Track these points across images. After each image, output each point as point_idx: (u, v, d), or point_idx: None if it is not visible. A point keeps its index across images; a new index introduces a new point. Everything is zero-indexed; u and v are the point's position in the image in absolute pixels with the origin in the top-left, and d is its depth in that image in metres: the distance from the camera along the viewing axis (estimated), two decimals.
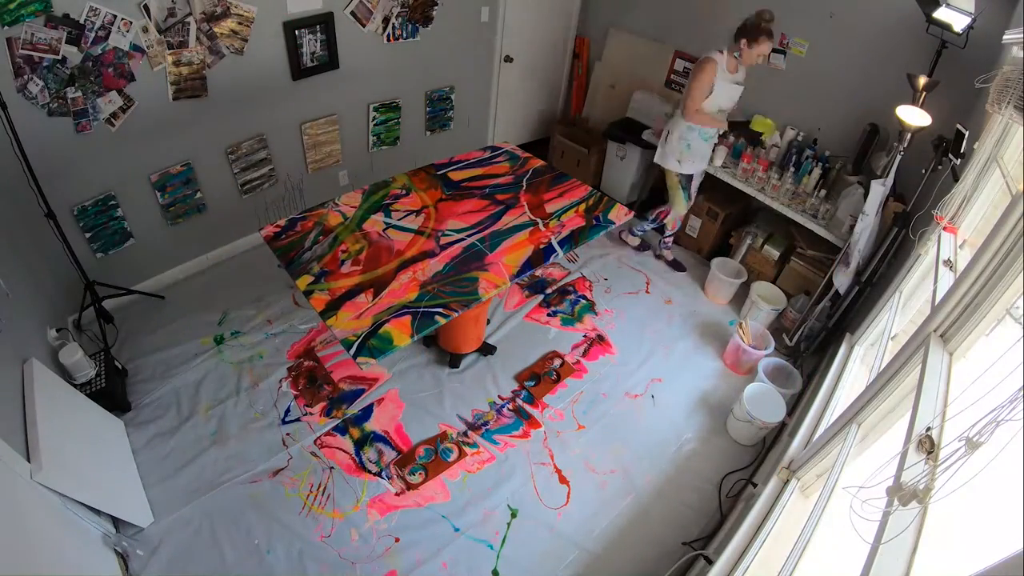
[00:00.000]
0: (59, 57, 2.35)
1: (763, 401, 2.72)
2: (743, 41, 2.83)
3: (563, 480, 2.55)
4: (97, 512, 2.02)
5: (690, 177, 3.36)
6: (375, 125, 3.78)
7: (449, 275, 2.30)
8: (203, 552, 2.15)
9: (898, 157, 2.59)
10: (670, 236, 3.76)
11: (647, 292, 3.64)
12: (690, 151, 3.22)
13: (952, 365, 1.61)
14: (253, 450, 2.50)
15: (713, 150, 3.36)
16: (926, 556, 1.15)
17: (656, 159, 3.40)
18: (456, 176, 2.93)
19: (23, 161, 2.22)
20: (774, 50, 3.46)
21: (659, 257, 3.91)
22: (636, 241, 3.95)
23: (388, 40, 3.48)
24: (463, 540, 2.29)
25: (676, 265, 3.85)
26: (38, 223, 2.46)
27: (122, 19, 2.44)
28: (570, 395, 2.92)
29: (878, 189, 2.66)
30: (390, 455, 2.55)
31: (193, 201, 3.17)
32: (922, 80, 2.56)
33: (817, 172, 3.18)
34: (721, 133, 3.28)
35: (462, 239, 2.50)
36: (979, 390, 1.22)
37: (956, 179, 2.28)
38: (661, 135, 3.35)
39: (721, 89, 2.99)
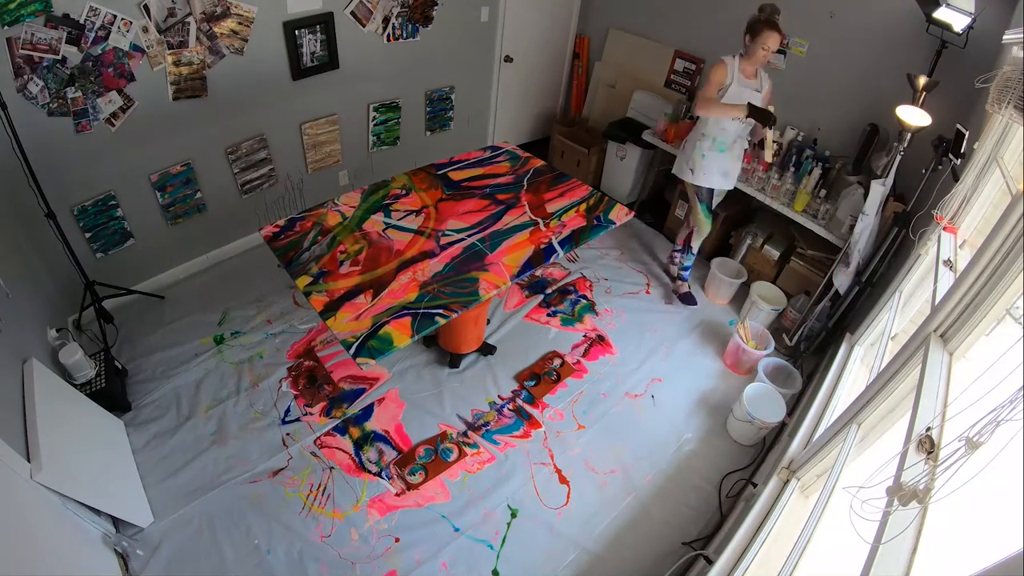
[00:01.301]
0: (59, 57, 2.35)
1: (763, 401, 2.72)
2: (746, 37, 2.71)
3: (563, 480, 2.55)
4: (97, 512, 2.02)
5: (710, 191, 3.15)
6: (375, 125, 3.78)
7: (449, 275, 2.30)
8: (203, 552, 2.15)
9: (898, 157, 2.59)
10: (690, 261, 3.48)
11: (647, 292, 3.64)
12: (704, 160, 3.02)
13: (952, 365, 1.61)
14: (253, 450, 2.50)
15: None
16: (926, 556, 1.15)
17: (674, 170, 3.25)
18: (456, 176, 2.93)
19: (23, 161, 2.22)
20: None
21: (673, 291, 3.64)
22: (685, 287, 3.58)
23: (388, 40, 3.48)
24: (463, 540, 2.29)
25: (687, 299, 3.57)
26: (38, 223, 2.46)
27: (122, 19, 2.44)
28: (570, 395, 2.92)
29: (878, 189, 2.66)
30: (390, 455, 2.55)
31: (193, 201, 3.17)
32: (922, 80, 2.56)
33: (817, 172, 3.18)
34: (750, 139, 3.03)
35: (462, 239, 2.49)
36: (979, 390, 1.22)
37: (956, 179, 2.28)
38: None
39: (736, 95, 2.78)
